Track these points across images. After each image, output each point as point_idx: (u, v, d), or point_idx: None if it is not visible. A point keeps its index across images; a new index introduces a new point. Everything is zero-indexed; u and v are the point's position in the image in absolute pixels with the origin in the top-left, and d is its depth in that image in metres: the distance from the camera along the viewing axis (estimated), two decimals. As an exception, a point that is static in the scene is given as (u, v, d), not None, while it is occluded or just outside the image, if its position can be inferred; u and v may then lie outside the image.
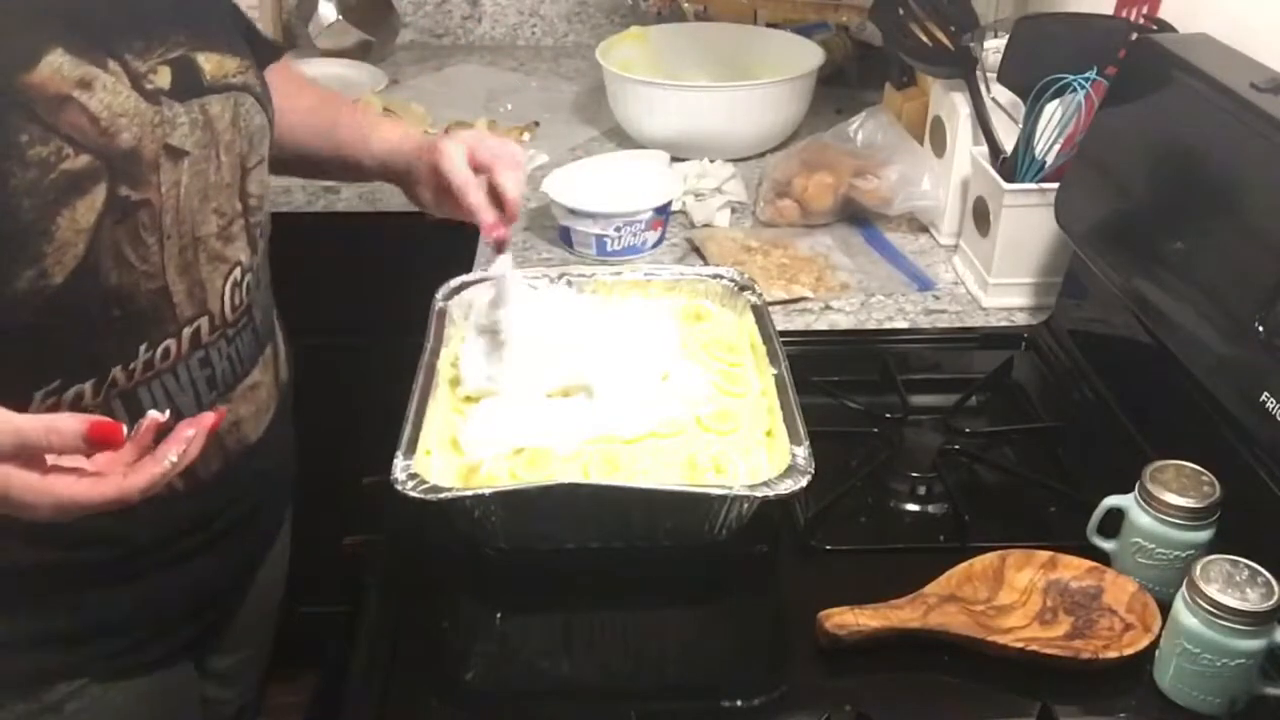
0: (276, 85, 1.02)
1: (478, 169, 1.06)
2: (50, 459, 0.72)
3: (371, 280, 1.66)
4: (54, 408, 0.83)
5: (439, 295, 1.13)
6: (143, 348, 0.86)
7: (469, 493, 0.88)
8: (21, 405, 0.75)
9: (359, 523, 1.07)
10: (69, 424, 0.71)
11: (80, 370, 0.84)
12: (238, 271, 0.93)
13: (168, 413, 0.75)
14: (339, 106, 1.20)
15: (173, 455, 0.73)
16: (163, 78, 0.85)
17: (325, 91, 1.24)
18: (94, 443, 0.71)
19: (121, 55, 0.82)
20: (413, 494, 0.87)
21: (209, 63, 0.90)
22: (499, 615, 0.95)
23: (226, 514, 1.00)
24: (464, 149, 1.06)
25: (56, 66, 0.77)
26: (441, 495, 0.87)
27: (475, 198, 1.05)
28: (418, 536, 0.99)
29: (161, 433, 0.74)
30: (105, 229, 0.81)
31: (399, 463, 0.89)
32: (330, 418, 1.64)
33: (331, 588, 0.98)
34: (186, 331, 0.89)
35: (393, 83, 2.03)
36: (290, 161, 1.14)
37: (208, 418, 0.76)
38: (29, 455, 0.71)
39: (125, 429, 0.72)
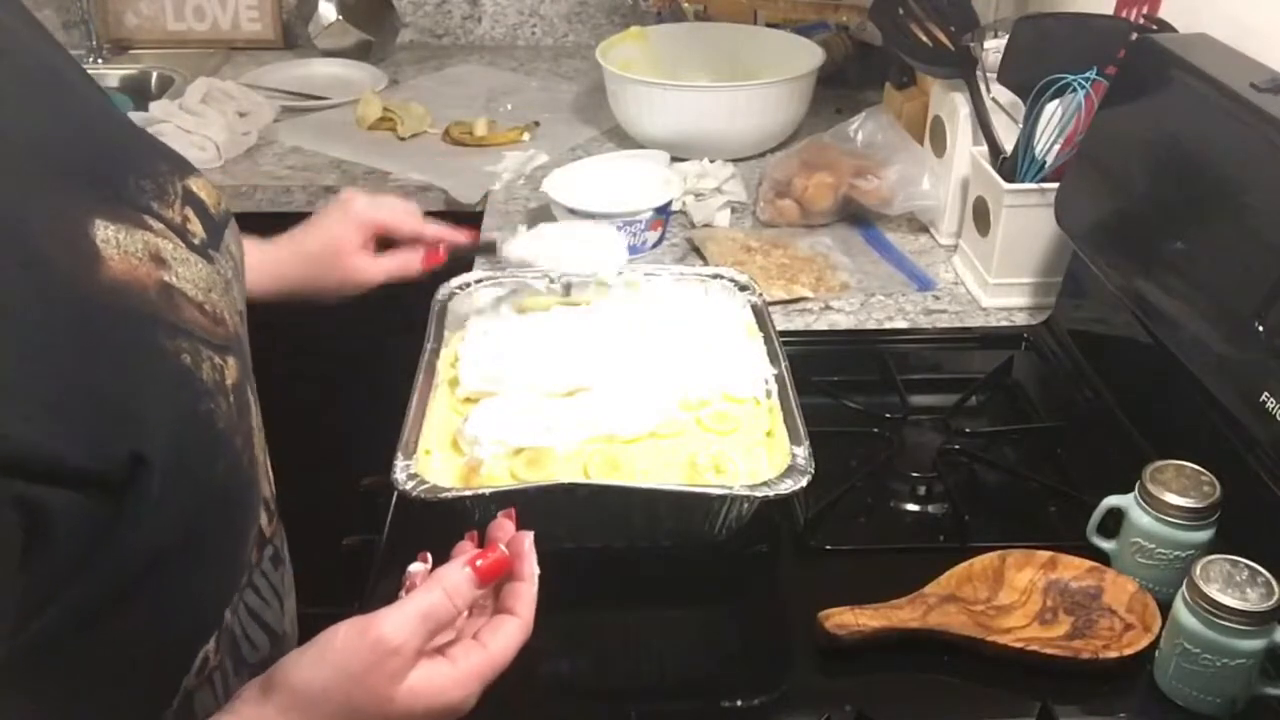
0: None
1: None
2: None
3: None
4: (195, 689, 0.64)
5: (439, 295, 1.13)
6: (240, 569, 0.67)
7: (469, 493, 0.88)
8: (168, 698, 0.62)
9: (359, 523, 1.06)
10: (457, 577, 0.62)
11: (209, 629, 0.65)
12: (261, 433, 0.72)
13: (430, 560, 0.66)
14: None
15: (535, 569, 0.68)
16: (195, 224, 0.65)
17: None
18: (486, 583, 0.64)
19: (149, 205, 0.61)
20: (413, 494, 0.87)
21: (202, 190, 0.69)
22: (499, 615, 0.95)
23: None
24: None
25: (116, 245, 0.55)
26: (441, 495, 0.87)
27: (434, 228, 1.11)
28: (418, 536, 0.99)
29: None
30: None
31: (399, 463, 0.89)
32: (330, 418, 1.65)
33: (332, 588, 0.98)
34: (253, 531, 0.68)
35: (393, 83, 2.03)
36: None
37: (509, 524, 0.70)
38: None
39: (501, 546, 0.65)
